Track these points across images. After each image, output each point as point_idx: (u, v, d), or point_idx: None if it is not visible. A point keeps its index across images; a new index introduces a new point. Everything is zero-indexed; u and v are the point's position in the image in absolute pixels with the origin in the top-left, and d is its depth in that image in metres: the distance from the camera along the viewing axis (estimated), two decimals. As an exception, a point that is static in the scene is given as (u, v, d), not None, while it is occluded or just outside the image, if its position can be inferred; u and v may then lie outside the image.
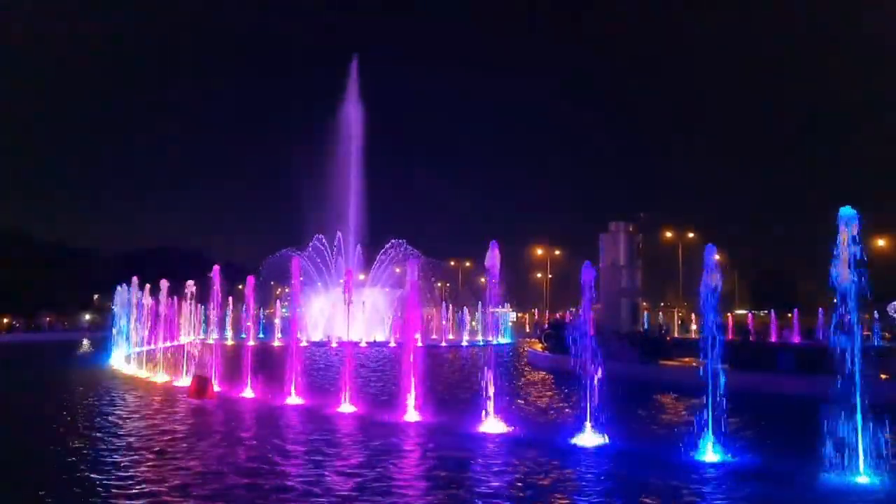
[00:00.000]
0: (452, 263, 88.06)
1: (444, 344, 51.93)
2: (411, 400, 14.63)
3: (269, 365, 22.29)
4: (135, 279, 31.01)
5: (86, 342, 41.52)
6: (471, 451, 11.69)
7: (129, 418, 15.27)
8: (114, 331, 33.45)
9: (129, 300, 31.98)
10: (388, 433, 13.26)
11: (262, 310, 64.17)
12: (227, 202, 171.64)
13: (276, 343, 47.73)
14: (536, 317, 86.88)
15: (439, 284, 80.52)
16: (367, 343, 48.39)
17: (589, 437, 11.96)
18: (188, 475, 9.79)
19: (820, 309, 45.80)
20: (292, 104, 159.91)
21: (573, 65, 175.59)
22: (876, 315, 42.03)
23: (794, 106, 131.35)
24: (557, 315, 69.99)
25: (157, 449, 11.67)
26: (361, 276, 58.45)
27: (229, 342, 38.11)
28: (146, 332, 30.67)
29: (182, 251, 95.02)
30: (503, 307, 62.52)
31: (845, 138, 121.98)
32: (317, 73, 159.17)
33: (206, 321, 36.69)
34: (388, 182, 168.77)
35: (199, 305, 34.71)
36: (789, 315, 56.11)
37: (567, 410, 16.02)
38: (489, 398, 13.46)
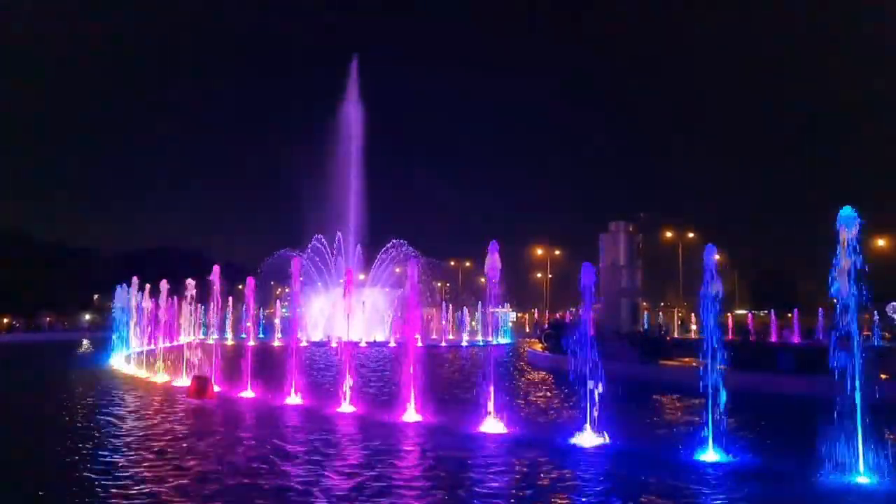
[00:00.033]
0: (452, 263, 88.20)
1: (443, 344, 51.93)
2: (411, 400, 14.63)
3: (269, 365, 22.30)
4: (135, 279, 31.03)
5: (86, 342, 41.51)
6: (470, 451, 11.69)
7: (128, 418, 15.26)
8: (114, 335, 33.45)
9: (129, 300, 32.00)
10: (388, 433, 13.26)
11: (262, 310, 64.22)
12: (227, 202, 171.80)
13: (276, 343, 47.75)
14: (536, 317, 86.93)
15: (439, 284, 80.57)
16: (366, 343, 48.38)
17: (589, 438, 11.96)
18: (188, 475, 9.78)
19: (820, 309, 45.83)
20: (292, 104, 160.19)
21: (573, 65, 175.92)
22: (875, 315, 42.05)
23: (794, 106, 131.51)
24: (557, 315, 70.03)
25: (156, 449, 11.67)
26: (361, 276, 58.47)
27: (229, 342, 38.14)
28: (146, 333, 30.69)
29: (182, 251, 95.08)
30: (503, 307, 62.53)
31: (845, 138, 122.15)
32: (317, 73, 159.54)
33: (206, 321, 36.69)
34: (388, 182, 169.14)
35: (199, 305, 34.69)
36: (789, 315, 56.13)
37: (567, 410, 16.02)
38: (489, 398, 13.46)
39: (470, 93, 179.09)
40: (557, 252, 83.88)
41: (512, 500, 8.77)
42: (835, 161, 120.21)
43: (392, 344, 47.22)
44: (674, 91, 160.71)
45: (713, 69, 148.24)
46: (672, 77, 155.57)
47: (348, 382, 16.22)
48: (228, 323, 48.70)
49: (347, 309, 20.29)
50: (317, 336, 53.10)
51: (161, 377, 23.68)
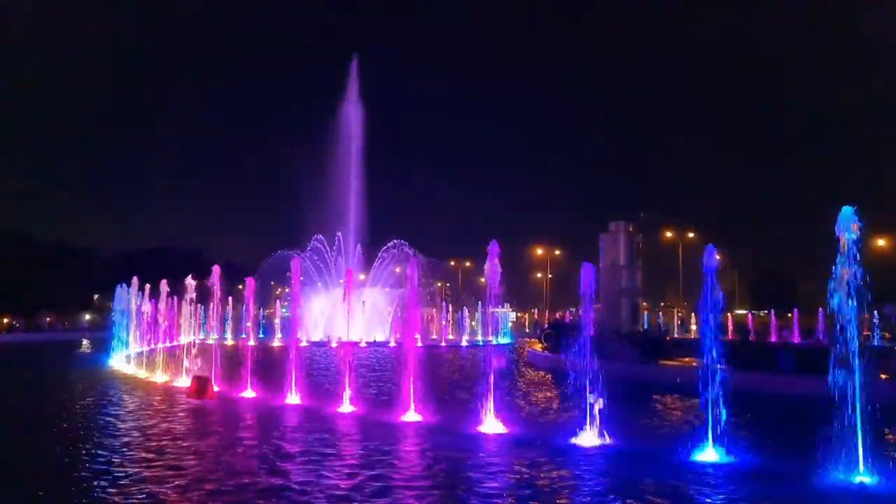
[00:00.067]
0: (452, 263, 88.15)
1: (443, 344, 51.95)
2: (411, 400, 14.64)
3: (269, 365, 22.30)
4: (135, 279, 31.04)
5: (85, 342, 41.52)
6: (470, 451, 11.69)
7: (128, 418, 15.27)
8: (114, 335, 33.46)
9: (129, 300, 32.01)
10: (388, 433, 13.26)
11: (262, 310, 64.21)
12: (227, 202, 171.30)
13: (276, 343, 47.75)
14: (536, 317, 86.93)
15: (439, 284, 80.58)
16: (366, 343, 48.40)
17: (588, 438, 11.96)
18: (187, 475, 9.78)
19: (820, 309, 45.79)
20: (292, 104, 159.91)
21: (573, 65, 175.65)
22: (875, 315, 42.05)
23: (794, 106, 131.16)
24: (557, 315, 70.05)
25: (156, 449, 11.67)
26: (361, 276, 58.49)
27: (229, 342, 38.14)
28: (146, 333, 30.71)
29: (182, 251, 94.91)
30: (503, 307, 62.55)
31: (845, 138, 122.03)
32: (317, 73, 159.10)
33: (206, 321, 36.72)
34: (388, 182, 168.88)
35: (199, 306, 34.74)
36: (789, 315, 56.10)
37: (567, 410, 16.02)
38: (489, 398, 13.46)
39: (470, 93, 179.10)
40: (557, 252, 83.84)
41: (511, 500, 8.76)
42: (835, 161, 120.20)
43: (392, 344, 47.24)
44: (674, 91, 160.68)
45: (713, 69, 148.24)
46: (672, 77, 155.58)
47: (348, 382, 16.23)
48: (228, 323, 48.67)
49: (347, 309, 20.30)
50: (317, 336, 53.12)
51: (161, 377, 23.68)
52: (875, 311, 42.23)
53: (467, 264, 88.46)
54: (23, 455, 11.69)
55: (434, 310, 63.92)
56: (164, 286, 29.02)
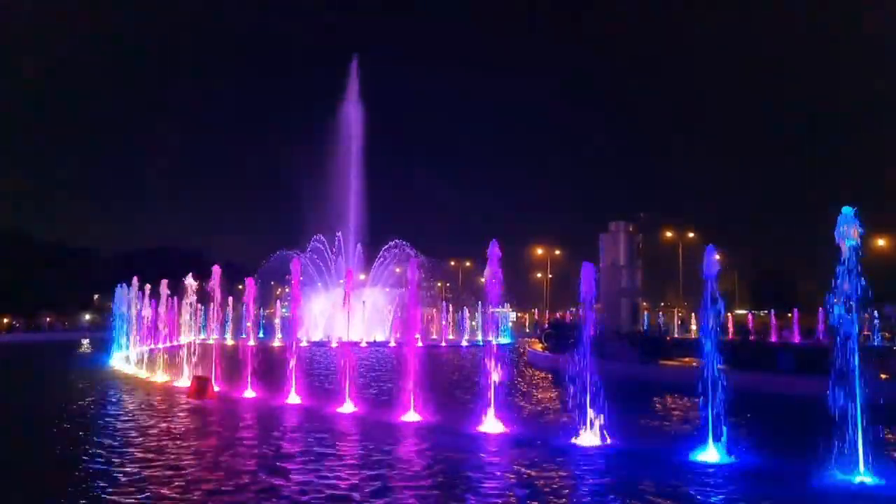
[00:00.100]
0: (452, 263, 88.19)
1: (443, 344, 51.96)
2: (411, 400, 14.64)
3: (269, 365, 22.28)
4: (135, 279, 31.04)
5: (86, 342, 41.50)
6: (470, 451, 11.69)
7: (128, 418, 15.27)
8: (114, 335, 33.46)
9: (129, 301, 32.01)
10: (388, 433, 13.26)
11: (262, 310, 64.21)
12: (227, 202, 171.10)
13: (276, 343, 47.75)
14: (536, 317, 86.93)
15: (439, 284, 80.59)
16: (367, 343, 48.41)
17: (589, 437, 11.97)
18: (187, 475, 9.78)
19: (820, 309, 45.80)
20: (292, 104, 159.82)
21: (573, 65, 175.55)
22: (875, 315, 42.05)
23: (794, 106, 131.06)
24: (557, 315, 70.07)
25: (155, 449, 11.67)
26: (361, 276, 58.52)
27: (229, 342, 38.15)
28: (146, 333, 30.70)
29: (182, 251, 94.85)
30: (503, 307, 62.56)
31: (845, 138, 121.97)
32: (317, 73, 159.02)
33: (206, 321, 36.69)
34: (388, 182, 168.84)
35: (199, 306, 34.76)
36: (789, 315, 56.11)
37: (567, 410, 16.01)
38: (489, 398, 13.46)
39: (470, 93, 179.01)
40: (557, 252, 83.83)
41: (511, 500, 8.77)
42: (835, 161, 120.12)
43: (392, 344, 47.25)
44: (674, 91, 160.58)
45: (713, 69, 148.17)
46: (672, 77, 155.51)
47: (348, 382, 16.23)
48: (228, 323, 48.68)
49: (347, 309, 20.30)
50: (317, 336, 53.13)
51: (161, 377, 23.69)
52: (875, 311, 42.23)
53: (467, 264, 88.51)
54: (23, 455, 11.69)
55: (434, 310, 63.95)
56: (164, 286, 29.01)
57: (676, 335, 55.48)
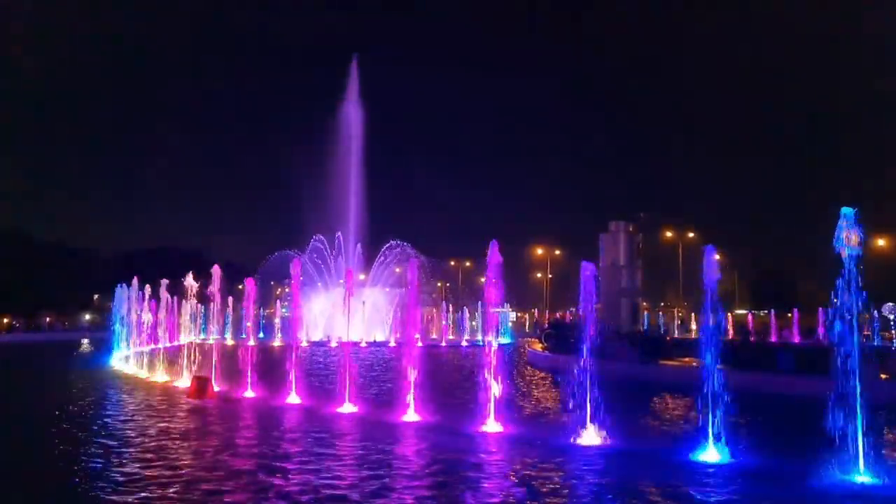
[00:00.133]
0: (452, 263, 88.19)
1: (444, 344, 51.95)
2: (411, 400, 14.63)
3: (269, 365, 22.28)
4: (135, 279, 31.05)
5: (86, 342, 41.52)
6: (470, 451, 11.69)
7: (128, 419, 15.26)
8: (114, 335, 33.46)
9: (129, 300, 32.02)
10: (388, 433, 13.26)
11: (262, 310, 64.21)
12: (227, 202, 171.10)
13: (277, 343, 47.75)
14: (536, 317, 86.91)
15: (439, 284, 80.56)
16: (367, 343, 48.39)
17: (589, 437, 11.96)
18: (186, 475, 9.78)
19: (820, 309, 45.77)
20: (292, 104, 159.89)
21: (573, 65, 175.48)
22: (875, 315, 42.03)
23: (794, 106, 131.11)
24: (557, 315, 70.06)
25: (155, 449, 11.67)
26: (361, 276, 58.48)
27: (229, 342, 38.15)
28: (146, 333, 30.70)
29: (182, 251, 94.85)
30: (503, 307, 62.54)
31: (845, 138, 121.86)
32: (317, 73, 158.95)
33: (206, 321, 36.72)
34: (388, 182, 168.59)
35: (199, 305, 34.79)
36: (789, 315, 56.08)
37: (567, 410, 16.01)
38: (489, 398, 13.46)
39: (470, 93, 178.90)
40: (557, 252, 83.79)
41: (511, 500, 8.76)
42: (835, 161, 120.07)
43: (392, 344, 47.23)
44: (674, 91, 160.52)
45: (713, 69, 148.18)
46: (672, 77, 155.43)
47: (348, 382, 16.23)
48: (228, 323, 48.70)
49: (348, 309, 20.31)
50: (317, 336, 53.12)
51: (161, 377, 23.69)
52: (875, 312, 42.21)
53: (467, 264, 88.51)
54: (23, 455, 11.69)
55: (434, 310, 63.93)
56: (164, 286, 29.02)
57: (676, 335, 55.48)
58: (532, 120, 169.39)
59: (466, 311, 63.38)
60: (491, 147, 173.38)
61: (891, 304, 42.91)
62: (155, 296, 30.35)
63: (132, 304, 31.75)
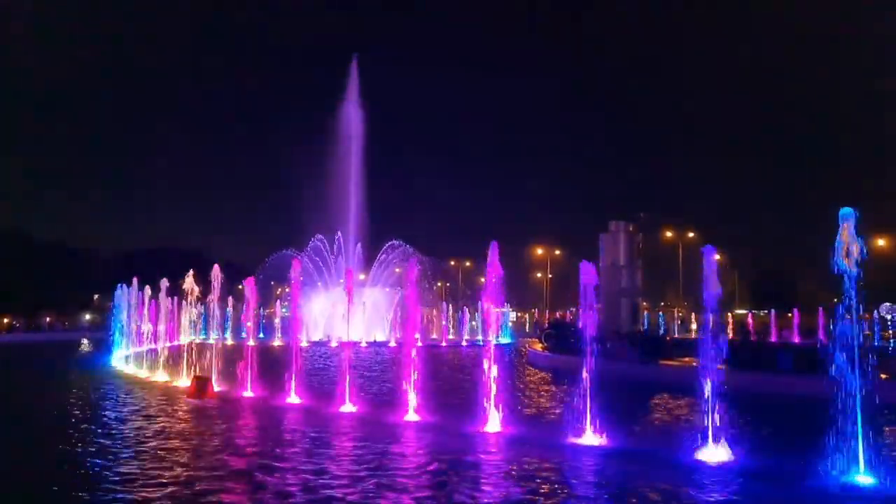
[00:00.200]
0: (452, 263, 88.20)
1: (444, 344, 51.97)
2: (411, 400, 14.63)
3: (269, 365, 22.27)
4: (135, 279, 31.03)
5: (86, 342, 41.50)
6: (470, 450, 11.69)
7: (128, 419, 15.27)
8: (114, 335, 33.45)
9: (129, 300, 32.01)
10: (388, 433, 13.26)
11: (262, 310, 64.19)
12: (227, 202, 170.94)
13: (277, 343, 47.75)
14: (536, 317, 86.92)
15: (439, 284, 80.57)
16: (367, 343, 48.40)
17: (589, 437, 11.96)
18: (186, 475, 9.78)
19: (820, 309, 45.78)
20: (292, 104, 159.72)
21: (573, 65, 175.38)
22: (875, 315, 42.07)
23: (794, 106, 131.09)
24: (558, 315, 70.08)
25: (155, 449, 11.67)
26: (361, 276, 58.47)
27: (229, 342, 38.12)
28: (146, 333, 30.69)
29: (182, 251, 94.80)
30: (503, 307, 62.52)
31: (845, 138, 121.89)
32: (317, 73, 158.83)
33: (206, 321, 36.68)
34: (388, 182, 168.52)
35: (199, 305, 34.77)
36: (789, 315, 56.09)
37: (566, 410, 16.01)
38: (488, 398, 13.46)
39: (470, 93, 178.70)
40: (557, 252, 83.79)
41: (510, 500, 8.76)
42: (835, 161, 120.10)
43: (392, 344, 47.24)
44: (674, 91, 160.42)
45: (713, 69, 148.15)
46: (672, 77, 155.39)
47: (348, 382, 16.23)
48: (228, 323, 48.67)
49: (348, 309, 20.32)
50: (317, 336, 53.13)
51: (161, 377, 23.68)
52: (875, 312, 42.23)
53: (467, 264, 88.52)
54: (23, 455, 11.69)
55: (434, 310, 63.92)
56: (163, 285, 29.00)
57: (676, 335, 55.50)
58: (532, 120, 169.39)
59: (466, 311, 63.39)
60: (491, 147, 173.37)
61: (888, 304, 42.95)
62: (155, 296, 30.34)
63: (132, 304, 31.74)
